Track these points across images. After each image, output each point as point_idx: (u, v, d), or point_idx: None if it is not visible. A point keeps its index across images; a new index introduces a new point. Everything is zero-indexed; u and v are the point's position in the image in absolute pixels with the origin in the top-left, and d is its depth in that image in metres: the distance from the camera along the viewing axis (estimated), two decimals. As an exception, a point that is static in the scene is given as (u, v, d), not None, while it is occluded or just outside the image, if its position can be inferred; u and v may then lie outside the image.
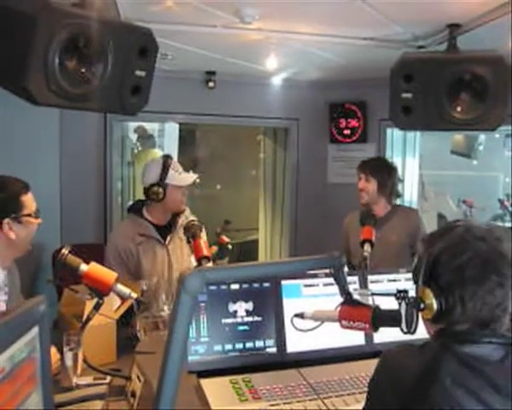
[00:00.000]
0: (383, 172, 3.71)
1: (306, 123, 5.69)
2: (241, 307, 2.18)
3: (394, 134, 5.56)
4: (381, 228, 3.42)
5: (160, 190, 3.00)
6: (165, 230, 3.12)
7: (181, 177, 3.04)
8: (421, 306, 1.38)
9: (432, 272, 1.37)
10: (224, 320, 2.15)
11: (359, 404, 1.85)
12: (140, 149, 6.95)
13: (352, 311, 1.68)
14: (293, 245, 5.80)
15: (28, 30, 2.13)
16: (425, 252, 1.41)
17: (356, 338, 2.23)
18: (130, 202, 6.12)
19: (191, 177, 3.08)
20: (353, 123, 5.53)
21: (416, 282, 1.44)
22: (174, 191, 3.03)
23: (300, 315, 1.86)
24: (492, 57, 3.03)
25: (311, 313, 1.84)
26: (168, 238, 3.11)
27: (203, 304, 2.12)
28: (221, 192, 8.33)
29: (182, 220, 3.10)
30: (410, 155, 5.84)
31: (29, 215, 2.29)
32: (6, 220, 2.23)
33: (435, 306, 1.35)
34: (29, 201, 2.30)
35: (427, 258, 1.39)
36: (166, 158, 3.08)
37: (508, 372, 1.28)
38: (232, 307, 2.17)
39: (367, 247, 2.91)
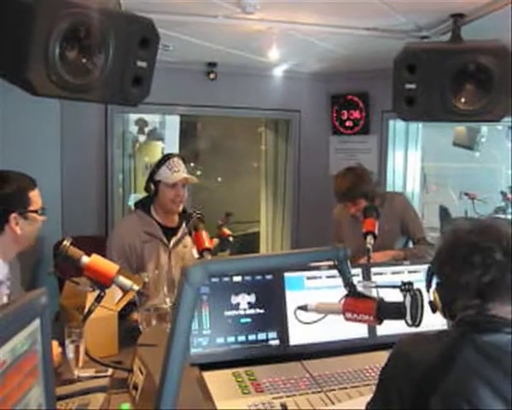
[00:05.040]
0: (360, 186, 3.49)
1: (308, 115, 5.67)
2: (244, 300, 2.17)
3: (396, 126, 5.54)
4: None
5: (151, 185, 2.98)
6: (172, 232, 3.05)
7: (170, 175, 2.95)
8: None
9: (431, 276, 1.48)
10: (226, 313, 2.14)
11: (363, 397, 1.84)
12: (142, 141, 6.93)
13: (357, 303, 1.66)
14: (295, 237, 5.79)
15: (28, 20, 2.11)
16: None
17: (359, 331, 2.22)
18: (132, 195, 6.16)
19: (179, 176, 2.95)
20: (355, 115, 5.50)
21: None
22: (164, 189, 2.97)
23: (304, 307, 1.84)
24: (497, 47, 3.00)
25: (315, 305, 1.82)
26: (172, 242, 3.04)
27: (205, 296, 2.11)
28: (222, 184, 8.30)
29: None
30: (413, 147, 5.82)
31: (35, 212, 2.28)
32: (13, 215, 2.22)
33: (438, 300, 1.42)
34: (36, 197, 2.29)
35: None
36: (169, 155, 3.05)
37: None
38: (235, 300, 2.16)
39: (369, 239, 2.91)
